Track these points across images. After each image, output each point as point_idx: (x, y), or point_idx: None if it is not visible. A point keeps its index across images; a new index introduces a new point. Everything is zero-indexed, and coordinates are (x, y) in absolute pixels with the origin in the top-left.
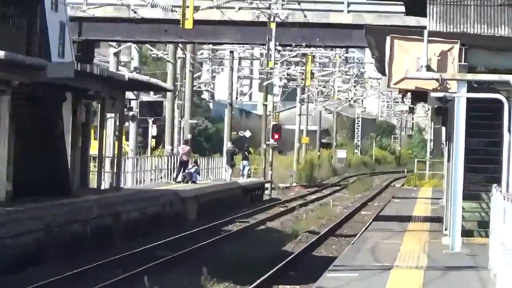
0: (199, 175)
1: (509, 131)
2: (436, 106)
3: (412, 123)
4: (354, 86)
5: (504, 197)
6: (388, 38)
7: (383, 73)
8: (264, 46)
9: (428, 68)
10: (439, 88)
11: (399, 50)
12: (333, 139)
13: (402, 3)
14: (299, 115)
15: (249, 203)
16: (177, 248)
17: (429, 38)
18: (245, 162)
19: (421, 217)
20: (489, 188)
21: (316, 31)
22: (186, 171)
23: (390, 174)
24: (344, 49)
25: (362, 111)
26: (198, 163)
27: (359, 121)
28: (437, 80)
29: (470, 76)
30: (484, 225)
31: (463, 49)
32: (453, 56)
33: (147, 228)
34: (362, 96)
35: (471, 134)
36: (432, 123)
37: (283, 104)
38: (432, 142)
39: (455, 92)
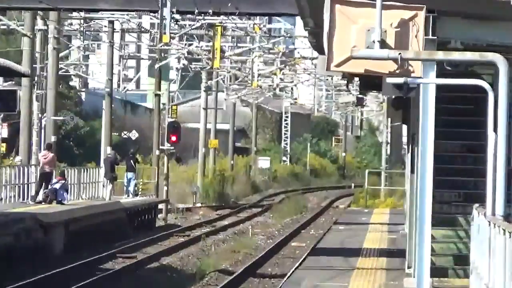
0: (67, 192)
1: (495, 130)
2: (394, 97)
3: (361, 119)
4: (281, 69)
5: (489, 221)
6: (327, 2)
7: (321, 51)
8: (156, 14)
9: (383, 44)
10: (398, 71)
11: (342, 18)
12: (252, 142)
13: None
14: (204, 109)
15: (137, 230)
16: None
17: (384, 2)
18: (130, 175)
19: (375, 250)
20: (468, 209)
21: None
22: (50, 187)
23: (331, 191)
24: (266, 17)
25: (292, 104)
26: (66, 176)
27: (287, 117)
28: (395, 60)
29: (441, 55)
30: (462, 261)
31: (431, 17)
32: (417, 27)
33: None
34: (292, 82)
35: (443, 135)
36: (389, 120)
37: (183, 94)
38: (389, 146)
39: (421, 77)
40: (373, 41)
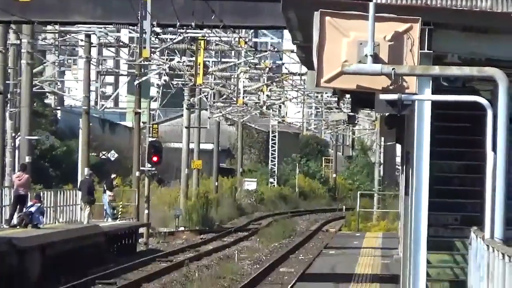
0: (43, 216)
1: (494, 149)
2: (387, 115)
3: (353, 139)
4: (268, 86)
5: (488, 245)
6: (316, 14)
7: (310, 66)
8: (135, 27)
9: (376, 59)
10: (391, 87)
11: (333, 31)
12: (237, 163)
13: None
14: (186, 127)
15: (117, 255)
16: None
17: (377, 14)
18: (105, 196)
19: (367, 275)
20: (465, 232)
21: (211, 5)
22: (24, 210)
23: (321, 214)
24: (252, 30)
25: (279, 122)
26: (42, 198)
27: (275, 136)
28: (388, 75)
29: (437, 70)
30: (459, 287)
31: (427, 29)
32: (412, 40)
33: None
34: (280, 99)
35: (439, 154)
36: (382, 139)
37: (164, 112)
38: (382, 166)
39: (415, 94)
40: (366, 55)
